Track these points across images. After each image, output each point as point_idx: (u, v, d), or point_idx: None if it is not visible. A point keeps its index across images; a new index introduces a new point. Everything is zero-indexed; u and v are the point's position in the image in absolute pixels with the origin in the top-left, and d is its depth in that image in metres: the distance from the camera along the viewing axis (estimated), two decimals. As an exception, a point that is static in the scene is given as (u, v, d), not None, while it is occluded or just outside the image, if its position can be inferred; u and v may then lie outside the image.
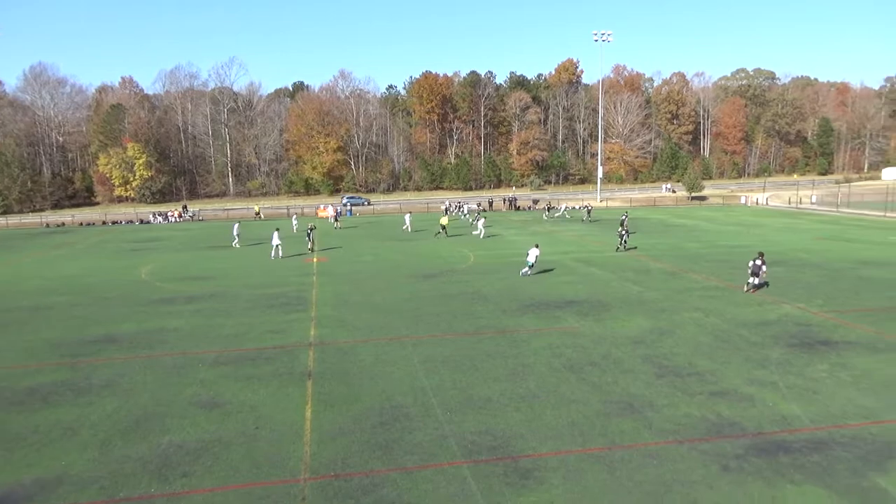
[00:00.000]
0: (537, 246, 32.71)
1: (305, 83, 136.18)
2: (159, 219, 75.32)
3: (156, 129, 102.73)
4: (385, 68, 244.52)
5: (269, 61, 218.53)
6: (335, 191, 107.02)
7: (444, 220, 52.18)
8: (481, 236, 48.62)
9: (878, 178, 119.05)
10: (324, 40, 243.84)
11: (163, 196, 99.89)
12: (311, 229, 43.42)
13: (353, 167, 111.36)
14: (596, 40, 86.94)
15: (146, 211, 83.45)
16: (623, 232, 40.87)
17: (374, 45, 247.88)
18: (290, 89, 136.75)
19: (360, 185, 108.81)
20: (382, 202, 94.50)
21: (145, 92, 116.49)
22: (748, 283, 27.33)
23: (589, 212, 64.26)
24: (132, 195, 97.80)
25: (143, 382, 16.94)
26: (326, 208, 75.63)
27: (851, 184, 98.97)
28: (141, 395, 16.04)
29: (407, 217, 56.28)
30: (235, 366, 18.20)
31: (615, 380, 16.61)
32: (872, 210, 67.44)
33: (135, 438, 13.51)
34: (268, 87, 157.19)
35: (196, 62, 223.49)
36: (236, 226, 47.60)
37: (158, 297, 28.06)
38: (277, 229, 40.20)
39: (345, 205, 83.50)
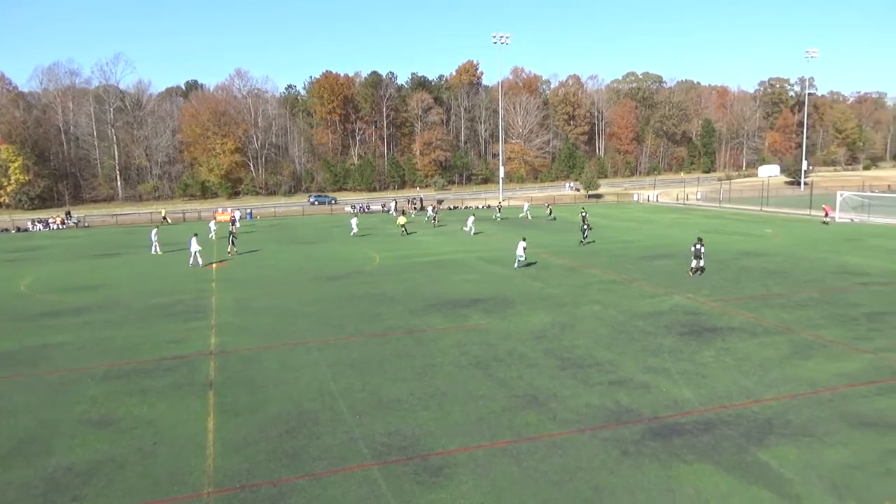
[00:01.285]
0: (524, 239, 34.84)
1: (199, 82, 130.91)
2: (39, 226, 69.93)
3: (33, 129, 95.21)
4: (284, 67, 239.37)
5: (158, 58, 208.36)
6: (234, 194, 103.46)
7: (402, 220, 53.06)
8: (471, 233, 49.69)
9: (755, 175, 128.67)
10: (218, 38, 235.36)
11: (43, 202, 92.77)
12: (232, 233, 42.62)
13: (252, 169, 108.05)
14: (495, 42, 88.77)
15: (24, 218, 77.18)
16: (585, 228, 43.35)
17: (272, 44, 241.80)
18: (183, 88, 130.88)
19: (261, 188, 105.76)
20: (284, 205, 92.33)
21: (20, 89, 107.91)
22: (692, 266, 30.36)
23: (500, 209, 67.78)
24: (7, 201, 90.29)
25: (25, 403, 15.72)
26: (226, 211, 72.96)
27: (732, 181, 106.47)
28: (23, 416, 14.88)
29: (353, 221, 54.17)
30: (129, 379, 17.24)
31: (520, 374, 17.04)
32: (750, 205, 72.77)
33: (17, 463, 12.52)
34: (158, 86, 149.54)
35: (77, 58, 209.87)
36: (154, 231, 44.72)
37: (41, 311, 26.12)
38: (196, 234, 38.11)
39: (313, 203, 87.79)
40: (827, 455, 12.18)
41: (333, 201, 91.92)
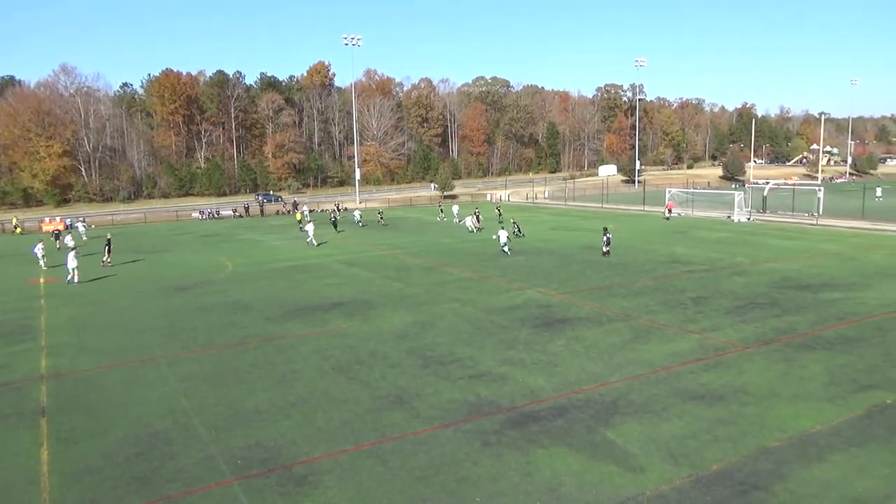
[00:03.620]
0: (504, 229, 40.62)
1: (17, 78, 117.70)
2: None
3: None
4: (117, 64, 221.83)
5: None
6: (63, 201, 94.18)
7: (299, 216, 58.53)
8: (474, 232, 49.06)
9: (596, 174, 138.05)
10: (38, 29, 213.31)
11: None
12: (109, 240, 39.14)
13: (84, 174, 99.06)
14: (346, 44, 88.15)
15: None
16: (515, 224, 47.06)
17: (102, 38, 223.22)
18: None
19: (95, 194, 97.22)
20: (123, 212, 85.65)
21: None
22: (603, 250, 35.93)
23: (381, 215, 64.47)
24: None
25: None
26: (53, 220, 66.29)
27: (576, 180, 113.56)
28: None
29: (357, 213, 58.87)
30: (-59, 413, 15.18)
31: (383, 375, 17.08)
32: (592, 202, 77.98)
33: None
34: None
35: None
36: (40, 245, 38.33)
37: None
38: (41, 241, 35.56)
39: (261, 202, 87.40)
40: (664, 428, 13.37)
41: (280, 199, 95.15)
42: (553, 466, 11.87)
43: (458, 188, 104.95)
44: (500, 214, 54.47)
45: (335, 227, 52.96)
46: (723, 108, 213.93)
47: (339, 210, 68.75)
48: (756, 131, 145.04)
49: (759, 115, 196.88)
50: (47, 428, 14.19)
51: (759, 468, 11.65)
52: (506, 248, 37.86)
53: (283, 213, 78.88)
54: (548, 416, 14.11)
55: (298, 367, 17.94)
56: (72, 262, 32.30)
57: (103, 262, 37.33)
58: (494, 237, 40.49)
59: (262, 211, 79.57)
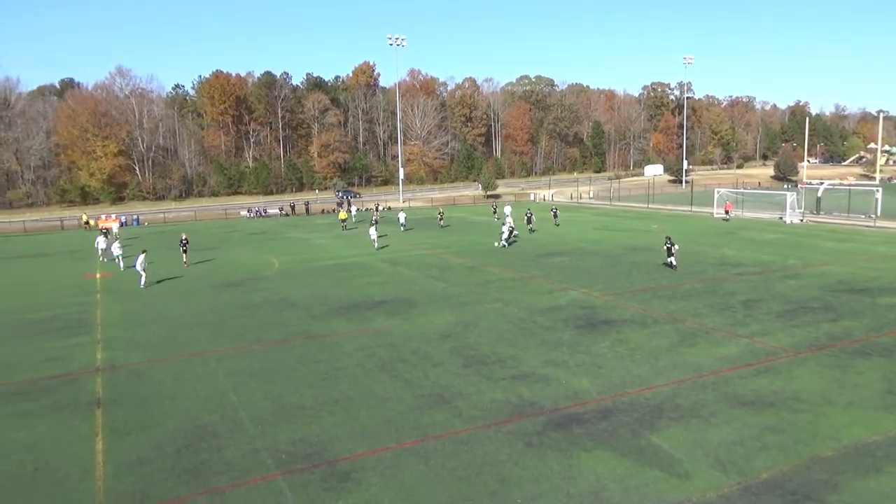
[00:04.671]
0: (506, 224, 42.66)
1: (76, 80, 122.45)
2: None
3: None
4: (170, 66, 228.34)
5: (28, 54, 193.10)
6: (118, 199, 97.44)
7: (343, 215, 58.12)
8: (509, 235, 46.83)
9: (642, 174, 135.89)
10: (96, 33, 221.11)
11: None
12: (184, 241, 38.08)
13: (138, 172, 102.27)
14: (391, 44, 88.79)
15: None
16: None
17: (156, 41, 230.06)
18: (58, 87, 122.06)
19: (148, 192, 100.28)
20: (175, 210, 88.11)
21: None
22: (668, 262, 31.56)
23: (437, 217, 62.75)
24: None
25: None
26: (109, 217, 68.60)
27: (621, 180, 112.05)
28: None
29: (401, 215, 54.80)
30: (4, 402, 15.88)
31: (426, 374, 17.14)
32: (638, 202, 76.76)
33: None
34: (28, 84, 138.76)
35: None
36: (100, 239, 40.62)
37: None
38: (145, 251, 32.47)
39: (341, 198, 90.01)
40: (712, 434, 13.06)
41: (358, 196, 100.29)
42: (596, 470, 11.72)
43: (502, 188, 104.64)
44: (493, 210, 54.42)
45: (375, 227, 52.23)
46: (774, 106, 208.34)
47: (378, 210, 69.17)
48: (810, 130, 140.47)
49: (813, 114, 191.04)
50: (102, 419, 14.69)
51: (811, 478, 11.29)
52: (504, 244, 40.53)
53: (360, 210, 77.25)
54: (591, 419, 13.94)
55: (342, 364, 18.16)
56: (117, 250, 36.22)
57: (185, 263, 37.07)
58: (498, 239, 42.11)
59: (307, 209, 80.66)
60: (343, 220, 57.55)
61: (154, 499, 11.11)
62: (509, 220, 44.76)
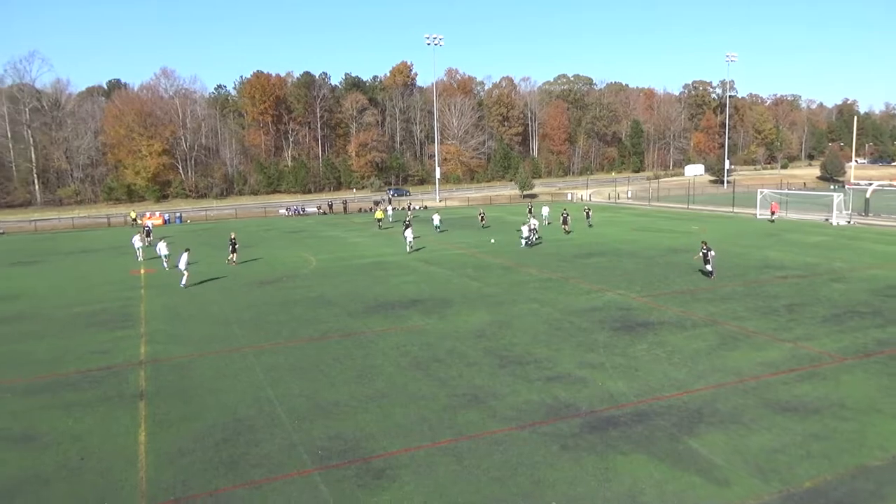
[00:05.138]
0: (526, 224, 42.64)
1: (123, 81, 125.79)
2: (-51, 233, 65.68)
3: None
4: (212, 67, 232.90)
5: (77, 56, 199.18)
6: (162, 197, 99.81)
7: (379, 215, 57.64)
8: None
9: (681, 174, 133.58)
10: (142, 35, 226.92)
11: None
12: (233, 240, 37.84)
13: (181, 171, 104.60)
14: (428, 44, 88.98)
15: (-69, 225, 72.35)
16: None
17: (199, 43, 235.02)
18: (105, 88, 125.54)
19: (191, 191, 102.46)
20: (216, 208, 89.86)
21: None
22: (705, 269, 29.26)
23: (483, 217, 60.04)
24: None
25: (-65, 421, 14.74)
26: (153, 215, 70.31)
27: (660, 180, 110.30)
28: (-66, 436, 13.95)
29: (436, 217, 53.56)
30: (53, 393, 16.42)
31: (460, 373, 17.14)
32: (677, 203, 75.47)
33: (-72, 486, 11.72)
34: (78, 85, 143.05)
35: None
36: (137, 237, 41.99)
37: (-48, 323, 24.54)
38: (188, 249, 31.82)
39: (392, 196, 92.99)
40: (753, 440, 12.77)
41: (408, 193, 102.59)
42: (633, 473, 11.57)
43: (539, 187, 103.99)
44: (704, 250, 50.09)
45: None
46: (821, 104, 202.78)
47: (411, 209, 69.31)
48: (858, 129, 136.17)
49: (862, 112, 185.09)
50: (145, 411, 15.08)
51: (857, 488, 10.95)
52: (526, 242, 41.09)
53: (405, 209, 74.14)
54: (628, 422, 13.76)
55: (377, 362, 18.28)
56: (163, 249, 35.79)
57: (228, 260, 37.30)
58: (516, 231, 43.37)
59: (345, 208, 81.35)
60: (379, 220, 57.57)
61: (194, 489, 11.36)
62: (532, 220, 44.48)
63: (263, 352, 19.61)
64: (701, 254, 29.71)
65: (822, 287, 27.03)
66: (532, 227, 42.80)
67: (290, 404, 15.22)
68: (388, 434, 13.44)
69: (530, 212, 62.51)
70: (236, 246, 37.79)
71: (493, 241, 43.23)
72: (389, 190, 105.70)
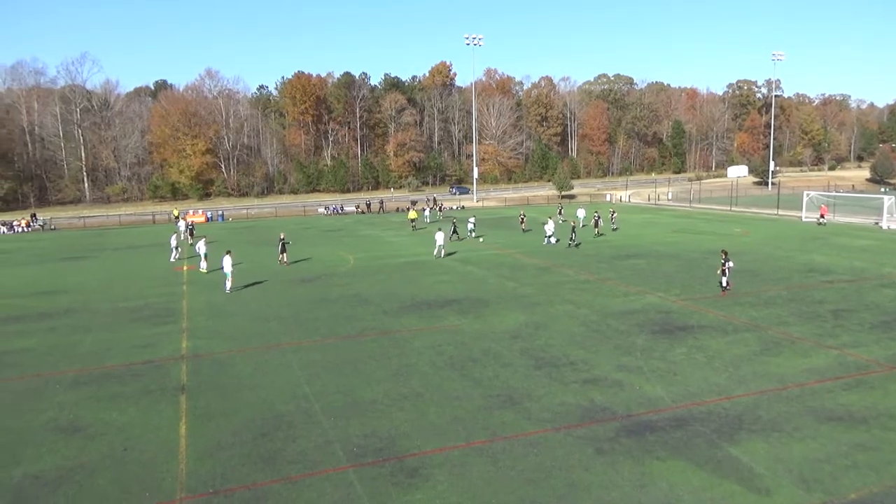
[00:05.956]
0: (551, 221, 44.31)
1: (168, 82, 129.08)
2: (3, 229, 68.32)
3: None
4: (255, 68, 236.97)
5: (126, 58, 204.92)
6: (205, 195, 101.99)
7: (413, 215, 57.80)
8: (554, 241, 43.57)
9: (724, 175, 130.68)
10: (188, 37, 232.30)
11: (7, 204, 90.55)
12: (283, 240, 37.17)
13: (223, 170, 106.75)
14: (468, 44, 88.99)
15: (-13, 221, 75.26)
16: (597, 218, 48.47)
17: (243, 44, 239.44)
18: (152, 88, 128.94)
19: (233, 189, 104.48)
20: (257, 206, 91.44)
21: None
22: (721, 282, 26.56)
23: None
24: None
25: (-11, 410, 15.33)
26: (196, 213, 71.88)
27: (702, 181, 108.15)
28: (-13, 423, 14.50)
29: (471, 220, 50.07)
30: (98, 385, 16.92)
31: (496, 374, 17.09)
32: (719, 205, 73.93)
33: (-19, 472, 12.20)
34: (126, 86, 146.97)
35: (42, 57, 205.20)
36: (175, 236, 41.54)
37: (5, 316, 25.48)
38: (229, 251, 30.14)
39: (455, 193, 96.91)
40: (795, 449, 12.43)
41: (469, 191, 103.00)
42: (670, 480, 11.37)
43: (577, 188, 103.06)
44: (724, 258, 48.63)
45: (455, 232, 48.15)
46: (872, 104, 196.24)
47: (440, 207, 69.04)
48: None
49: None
50: (186, 404, 15.43)
51: (906, 501, 10.56)
52: (551, 240, 42.37)
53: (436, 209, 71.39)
54: (666, 427, 13.53)
55: (413, 361, 18.35)
56: (202, 248, 35.44)
57: (280, 260, 36.67)
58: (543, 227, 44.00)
59: (381, 208, 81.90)
60: (413, 220, 57.33)
61: (232, 483, 11.57)
62: (550, 221, 44.54)
63: (301, 348, 19.87)
64: (721, 264, 26.42)
65: (871, 292, 26.16)
66: (552, 228, 43.49)
67: (327, 401, 15.39)
68: (423, 433, 13.48)
69: (560, 212, 61.82)
70: (286, 245, 36.96)
71: (481, 239, 43.88)
72: (452, 188, 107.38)
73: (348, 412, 14.69)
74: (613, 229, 50.87)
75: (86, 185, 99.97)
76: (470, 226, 49.07)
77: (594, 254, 38.24)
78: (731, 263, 26.62)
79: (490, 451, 12.60)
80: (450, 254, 39.29)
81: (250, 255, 40.43)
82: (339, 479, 11.64)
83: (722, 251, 27.24)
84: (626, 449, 12.58)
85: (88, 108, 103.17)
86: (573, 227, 42.48)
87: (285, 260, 36.65)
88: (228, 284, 29.08)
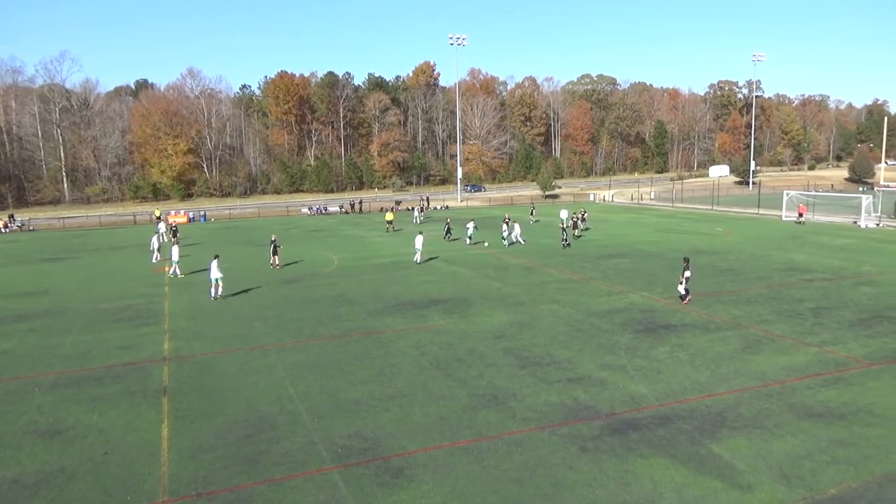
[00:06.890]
0: (508, 226, 43.68)
1: (150, 81, 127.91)
2: (-20, 230, 67.15)
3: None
4: (238, 67, 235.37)
5: (106, 56, 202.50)
6: (186, 195, 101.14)
7: (390, 217, 56.24)
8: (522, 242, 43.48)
9: (706, 175, 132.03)
10: (169, 36, 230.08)
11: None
12: (274, 242, 36.35)
13: (205, 170, 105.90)
14: (451, 44, 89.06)
15: (-36, 222, 73.97)
16: (576, 219, 48.55)
17: (225, 43, 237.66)
18: (133, 87, 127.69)
19: (215, 189, 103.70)
20: (240, 206, 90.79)
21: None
22: (680, 291, 25.08)
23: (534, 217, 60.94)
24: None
25: (-34, 414, 15.07)
26: (178, 214, 71.27)
27: (684, 181, 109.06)
28: (-36, 427, 14.26)
29: (470, 225, 45.35)
30: (79, 387, 16.71)
31: (480, 373, 17.12)
32: (702, 204, 74.62)
33: (-42, 477, 11.99)
34: (106, 85, 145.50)
35: (20, 55, 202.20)
36: (155, 237, 40.54)
37: (-18, 318, 25.08)
38: (217, 256, 28.01)
39: (470, 191, 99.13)
40: (776, 445, 12.58)
41: (483, 190, 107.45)
42: (653, 477, 11.46)
43: (561, 188, 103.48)
44: (583, 219, 50.51)
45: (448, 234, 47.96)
46: (850, 105, 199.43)
47: (423, 208, 68.91)
48: (888, 130, 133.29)
49: (893, 112, 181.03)
50: (167, 406, 15.28)
51: (884, 495, 10.73)
52: (517, 240, 42.64)
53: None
54: (649, 425, 13.63)
55: (397, 361, 18.32)
56: (175, 255, 33.27)
57: (272, 264, 35.60)
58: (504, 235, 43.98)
59: (360, 208, 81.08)
60: (389, 222, 54.90)
61: (215, 485, 11.48)
62: (517, 226, 44.32)
63: (285, 349, 19.76)
64: (683, 271, 24.91)
65: (850, 291, 26.55)
66: (512, 229, 43.63)
67: (311, 402, 15.32)
68: (408, 433, 13.47)
69: (531, 213, 62.36)
70: (278, 248, 36.13)
71: (486, 244, 42.99)
72: (468, 186, 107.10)
73: (333, 413, 14.64)
74: (577, 236, 46.31)
75: (65, 185, 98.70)
76: (469, 231, 44.93)
77: (578, 253, 38.43)
78: (688, 273, 24.72)
79: (475, 451, 12.62)
80: (433, 257, 38.27)
81: (233, 256, 40.09)
82: (323, 481, 11.60)
83: (684, 258, 25.95)
84: (610, 447, 12.66)
85: (68, 108, 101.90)
86: (563, 229, 42.46)
87: (277, 263, 35.66)
88: (213, 292, 27.13)
